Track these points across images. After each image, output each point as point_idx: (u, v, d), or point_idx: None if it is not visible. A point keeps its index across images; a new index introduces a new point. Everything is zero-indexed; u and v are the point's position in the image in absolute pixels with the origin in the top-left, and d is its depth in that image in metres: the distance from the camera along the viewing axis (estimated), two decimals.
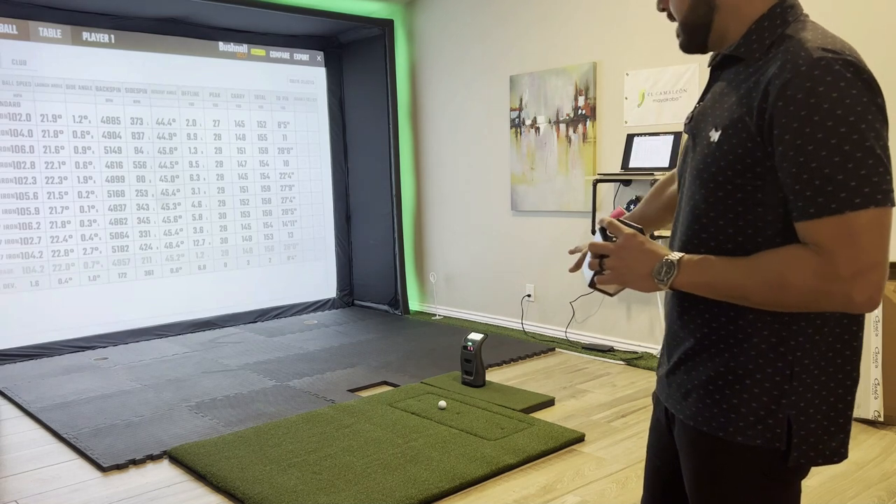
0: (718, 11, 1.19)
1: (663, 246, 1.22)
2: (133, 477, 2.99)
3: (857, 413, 3.40)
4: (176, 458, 3.11)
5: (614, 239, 1.21)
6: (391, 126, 6.02)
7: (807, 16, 1.16)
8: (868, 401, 3.38)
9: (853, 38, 3.62)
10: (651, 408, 3.06)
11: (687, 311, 1.23)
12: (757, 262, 1.09)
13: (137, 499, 2.79)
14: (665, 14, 1.31)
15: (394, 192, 6.09)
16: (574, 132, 4.99)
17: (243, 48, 5.95)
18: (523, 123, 5.32)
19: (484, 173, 5.68)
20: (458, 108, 5.84)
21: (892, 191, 1.02)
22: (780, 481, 1.17)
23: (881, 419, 3.34)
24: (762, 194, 1.10)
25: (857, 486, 2.78)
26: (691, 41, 1.24)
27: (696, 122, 1.23)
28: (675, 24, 1.28)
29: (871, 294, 1.01)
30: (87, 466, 3.09)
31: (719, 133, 1.14)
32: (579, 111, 4.95)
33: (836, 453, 1.15)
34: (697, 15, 1.21)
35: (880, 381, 3.36)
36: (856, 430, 3.34)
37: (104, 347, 5.15)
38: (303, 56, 6.31)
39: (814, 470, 2.92)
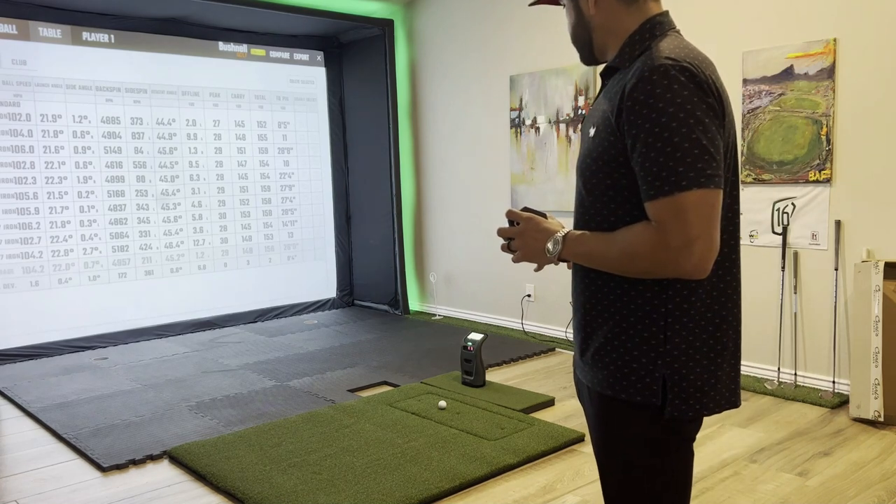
0: (594, 32, 1.40)
1: (560, 223, 1.43)
2: (133, 477, 2.99)
3: (857, 413, 3.41)
4: (176, 458, 3.11)
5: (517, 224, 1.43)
6: (391, 126, 6.02)
7: (676, 31, 1.35)
8: (868, 401, 3.37)
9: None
10: None
11: (578, 285, 1.42)
12: (615, 236, 1.29)
13: (137, 499, 2.79)
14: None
15: (394, 192, 6.09)
16: (574, 132, 4.99)
17: (243, 48, 5.95)
18: (523, 123, 5.32)
19: (484, 173, 5.68)
20: (458, 108, 5.84)
21: (716, 175, 1.20)
22: (666, 434, 1.34)
23: (881, 419, 3.34)
24: (626, 181, 1.28)
25: (857, 486, 2.78)
26: (582, 56, 1.47)
27: (584, 123, 1.44)
28: None
29: (696, 262, 1.20)
30: (87, 466, 3.09)
31: (594, 129, 1.34)
32: (579, 111, 4.95)
33: (706, 408, 1.32)
34: (578, 35, 1.44)
35: (880, 381, 3.36)
36: (856, 429, 3.34)
37: (104, 347, 5.15)
38: (303, 56, 6.31)
39: (814, 470, 2.92)
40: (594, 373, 1.38)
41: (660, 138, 1.20)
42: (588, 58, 1.46)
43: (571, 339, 5.10)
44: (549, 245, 1.36)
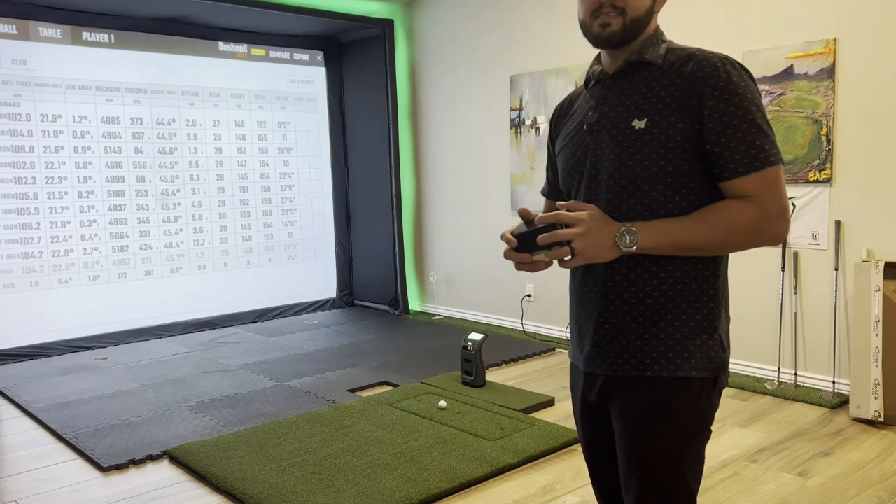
0: (648, 23, 1.42)
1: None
2: (133, 477, 2.99)
3: (857, 413, 3.41)
4: (176, 458, 3.11)
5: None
6: (391, 126, 6.02)
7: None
8: (868, 401, 3.37)
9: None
10: None
11: (618, 283, 1.40)
12: (706, 215, 1.34)
13: (137, 499, 2.79)
14: (607, 8, 1.39)
15: (394, 192, 6.09)
16: None
17: (243, 48, 5.95)
18: (523, 123, 5.32)
19: (484, 173, 5.68)
20: (458, 108, 5.84)
21: (780, 153, 1.35)
22: (711, 409, 1.44)
23: (881, 419, 3.34)
24: (687, 166, 1.35)
25: (857, 486, 2.78)
26: (629, 35, 1.40)
27: (603, 123, 1.41)
28: (615, 20, 1.39)
29: (786, 227, 1.34)
30: (87, 466, 3.09)
31: (645, 120, 1.36)
32: None
33: (727, 378, 1.45)
34: (641, 21, 1.40)
35: (880, 381, 3.36)
36: (856, 430, 3.34)
37: (104, 347, 5.15)
38: (303, 56, 6.31)
39: (814, 470, 2.92)
40: (654, 357, 1.38)
41: (745, 119, 1.31)
42: (632, 39, 1.41)
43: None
44: (625, 237, 1.32)
